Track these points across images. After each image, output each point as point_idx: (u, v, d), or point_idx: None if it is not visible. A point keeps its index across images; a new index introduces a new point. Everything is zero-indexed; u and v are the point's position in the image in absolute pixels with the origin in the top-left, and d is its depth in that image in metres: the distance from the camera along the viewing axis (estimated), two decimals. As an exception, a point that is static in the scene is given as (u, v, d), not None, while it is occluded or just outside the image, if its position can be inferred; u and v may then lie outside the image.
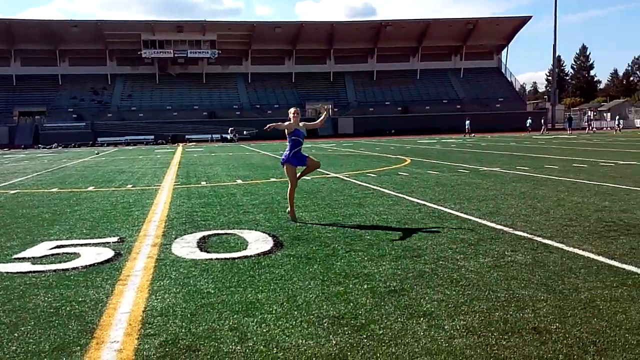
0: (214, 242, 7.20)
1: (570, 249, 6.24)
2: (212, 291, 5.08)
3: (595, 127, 67.90)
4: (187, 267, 5.97)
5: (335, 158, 24.54)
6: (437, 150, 28.05)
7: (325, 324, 4.15)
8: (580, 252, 6.09)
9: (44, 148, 53.14)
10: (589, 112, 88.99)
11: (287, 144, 8.68)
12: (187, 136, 60.86)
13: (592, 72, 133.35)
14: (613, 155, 20.89)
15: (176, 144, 53.30)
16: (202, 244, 7.08)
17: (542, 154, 23.23)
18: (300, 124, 8.81)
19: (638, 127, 73.58)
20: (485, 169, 16.72)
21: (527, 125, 58.52)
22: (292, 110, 8.95)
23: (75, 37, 71.30)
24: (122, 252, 6.83)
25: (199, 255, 6.48)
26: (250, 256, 6.34)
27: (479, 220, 8.18)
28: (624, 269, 5.39)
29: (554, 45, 74.00)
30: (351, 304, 4.60)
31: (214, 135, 59.95)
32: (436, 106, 74.82)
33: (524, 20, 78.99)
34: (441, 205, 9.70)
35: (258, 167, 20.34)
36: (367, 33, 77.34)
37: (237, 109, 72.79)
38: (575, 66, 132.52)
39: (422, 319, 4.20)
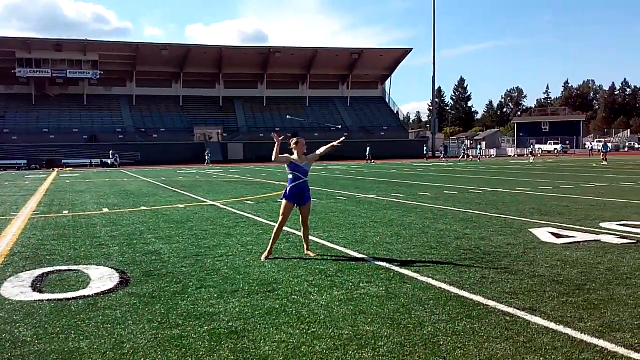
0: (52, 280, 6.51)
1: (425, 278, 6.22)
2: (29, 339, 4.48)
3: (472, 156, 72.08)
4: (10, 311, 5.30)
5: (217, 185, 23.96)
6: (321, 177, 28.22)
7: (147, 376, 3.72)
8: (434, 282, 6.07)
9: None
10: (467, 141, 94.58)
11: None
12: (64, 161, 57.41)
13: (469, 103, 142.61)
14: (482, 183, 21.96)
15: (51, 169, 50.08)
16: (38, 283, 6.37)
17: (418, 181, 24.02)
18: (308, 156, 7.78)
19: (510, 156, 78.86)
20: (362, 196, 16.91)
21: (424, 152, 62.50)
22: (293, 140, 7.68)
23: (-61, 52, 65.57)
24: (-61, 294, 5.97)
25: (30, 296, 5.80)
26: (88, 296, 5.75)
27: (343, 250, 8.07)
28: (472, 299, 5.40)
29: (433, 77, 77.92)
30: (184, 349, 4.20)
31: (93, 160, 57.04)
32: (324, 133, 75.99)
33: (405, 52, 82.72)
34: (310, 235, 9.51)
35: (132, 194, 19.34)
36: (257, 58, 77.56)
37: (120, 132, 69.95)
38: (454, 97, 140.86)
39: (256, 364, 3.89)
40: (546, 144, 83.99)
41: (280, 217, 7.73)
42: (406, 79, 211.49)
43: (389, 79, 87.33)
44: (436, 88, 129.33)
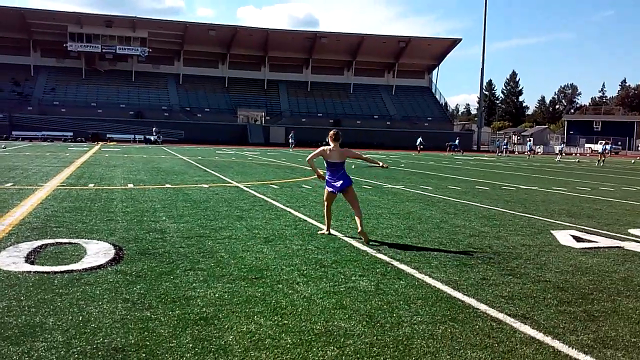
0: (48, 253, 6.51)
1: (422, 276, 5.95)
2: (0, 311, 4.44)
3: (517, 151, 70.24)
4: (-6, 281, 5.29)
5: (249, 167, 23.98)
6: (355, 165, 27.85)
7: (99, 357, 3.61)
8: (429, 280, 5.80)
9: (-50, 138, 49.96)
10: (514, 136, 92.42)
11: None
12: (108, 135, 58.71)
13: (520, 98, 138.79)
14: (519, 180, 21.31)
15: (96, 143, 51.28)
16: (33, 255, 6.38)
17: (453, 174, 23.49)
18: (341, 150, 8.20)
19: (556, 154, 76.51)
20: (389, 186, 16.59)
21: (450, 146, 57.61)
22: (331, 133, 8.21)
23: (-4, 24, 67.63)
24: None
25: (19, 268, 5.79)
26: (75, 271, 5.71)
27: (347, 240, 7.84)
28: (463, 301, 5.11)
29: (482, 70, 76.22)
30: (146, 332, 4.08)
31: (137, 136, 58.07)
32: (367, 121, 75.53)
33: (453, 42, 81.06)
34: (321, 222, 9.31)
35: (162, 171, 19.50)
36: (303, 43, 77.34)
37: (165, 110, 70.96)
38: (505, 91, 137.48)
39: (212, 354, 3.73)
40: (596, 143, 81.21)
41: (325, 203, 8.31)
42: (457, 69, 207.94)
43: (436, 69, 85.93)
44: (486, 81, 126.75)
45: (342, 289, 5.36)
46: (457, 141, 59.56)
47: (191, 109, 72.43)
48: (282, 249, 7.12)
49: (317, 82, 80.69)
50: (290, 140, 53.67)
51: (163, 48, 74.60)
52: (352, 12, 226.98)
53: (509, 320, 4.62)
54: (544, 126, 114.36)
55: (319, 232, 8.31)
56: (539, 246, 7.90)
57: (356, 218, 7.89)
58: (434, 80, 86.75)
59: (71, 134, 57.84)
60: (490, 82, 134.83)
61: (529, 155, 56.93)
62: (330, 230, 8.33)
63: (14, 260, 6.08)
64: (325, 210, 8.34)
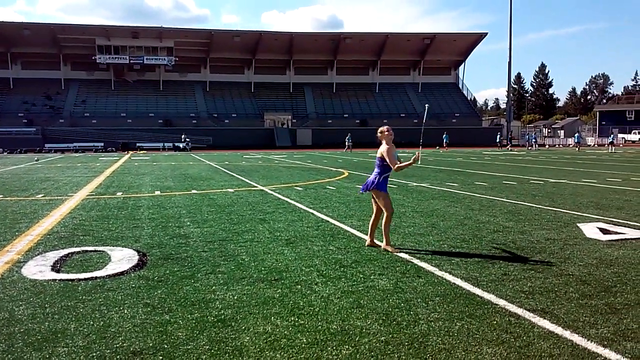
0: (74, 261, 6.67)
1: (442, 273, 5.92)
2: (25, 318, 4.57)
3: (548, 145, 68.99)
4: (21, 289, 5.45)
5: (275, 170, 24.10)
6: (381, 164, 27.72)
7: (117, 361, 3.70)
8: (449, 277, 5.77)
9: (-13, 153, 51.31)
10: (544, 129, 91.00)
11: (376, 168, 7.39)
12: (138, 144, 59.61)
13: (551, 90, 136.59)
14: (548, 173, 20.97)
15: (126, 152, 52.14)
16: (59, 263, 6.54)
17: (480, 170, 23.23)
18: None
19: (589, 145, 75.09)
20: (415, 184, 16.50)
21: (497, 140, 58.75)
22: (384, 128, 7.40)
23: (28, 40, 69.25)
24: (-34, 270, 6.24)
25: (45, 276, 5.95)
26: (99, 277, 5.84)
27: (369, 239, 7.82)
28: (482, 297, 5.08)
29: (509, 63, 75.07)
30: (164, 335, 4.15)
31: (166, 144, 58.85)
32: (394, 120, 75.01)
33: (479, 37, 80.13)
34: (343, 222, 9.35)
35: (189, 178, 19.74)
36: (327, 45, 77.36)
37: (193, 117, 71.74)
38: (534, 84, 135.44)
39: (227, 355, 3.78)
40: (630, 133, 79.37)
41: (385, 209, 7.25)
42: (486, 64, 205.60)
43: (462, 65, 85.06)
44: (515, 74, 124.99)
45: (360, 289, 5.37)
46: (499, 136, 59.48)
47: (218, 115, 73.10)
48: (302, 251, 7.16)
49: (342, 83, 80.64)
50: (347, 143, 52.57)
51: (189, 56, 75.46)
52: (376, 11, 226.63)
53: (527, 315, 4.58)
54: (575, 117, 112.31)
55: (388, 249, 7.11)
56: (564, 240, 7.78)
57: (383, 229, 7.25)
58: (460, 76, 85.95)
59: (102, 144, 58.88)
60: (519, 75, 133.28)
61: (578, 148, 55.40)
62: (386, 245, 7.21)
63: (41, 269, 6.24)
64: (385, 221, 7.25)
